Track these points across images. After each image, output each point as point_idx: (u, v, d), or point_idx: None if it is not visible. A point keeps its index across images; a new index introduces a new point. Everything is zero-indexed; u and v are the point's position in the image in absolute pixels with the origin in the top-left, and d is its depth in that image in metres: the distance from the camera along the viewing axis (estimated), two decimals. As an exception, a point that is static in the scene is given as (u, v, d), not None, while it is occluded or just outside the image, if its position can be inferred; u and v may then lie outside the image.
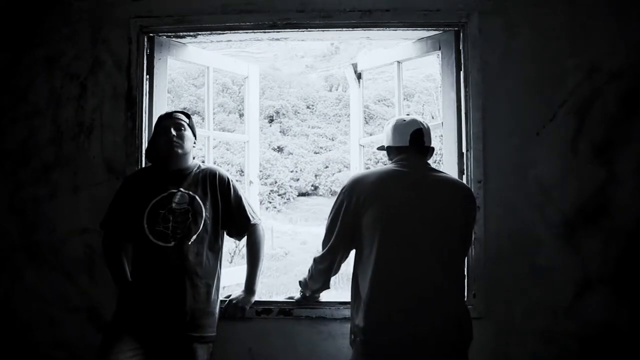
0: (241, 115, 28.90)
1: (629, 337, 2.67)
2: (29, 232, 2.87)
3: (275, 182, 26.43)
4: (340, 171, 27.66)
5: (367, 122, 30.31)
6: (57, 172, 2.87)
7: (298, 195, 27.38)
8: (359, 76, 3.30)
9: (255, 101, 3.36)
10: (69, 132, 2.87)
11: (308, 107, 31.86)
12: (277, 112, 30.30)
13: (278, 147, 26.89)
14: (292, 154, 28.53)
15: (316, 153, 29.33)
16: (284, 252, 19.28)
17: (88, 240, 2.82)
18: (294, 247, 20.05)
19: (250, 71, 3.33)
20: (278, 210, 25.61)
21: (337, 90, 33.59)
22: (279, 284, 14.93)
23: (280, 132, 29.44)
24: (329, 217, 2.30)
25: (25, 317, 2.85)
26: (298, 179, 27.96)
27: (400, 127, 2.36)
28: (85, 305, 2.83)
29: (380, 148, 2.47)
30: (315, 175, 28.05)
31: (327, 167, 28.31)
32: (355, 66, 3.28)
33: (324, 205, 25.80)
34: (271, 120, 30.82)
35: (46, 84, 2.89)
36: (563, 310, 2.69)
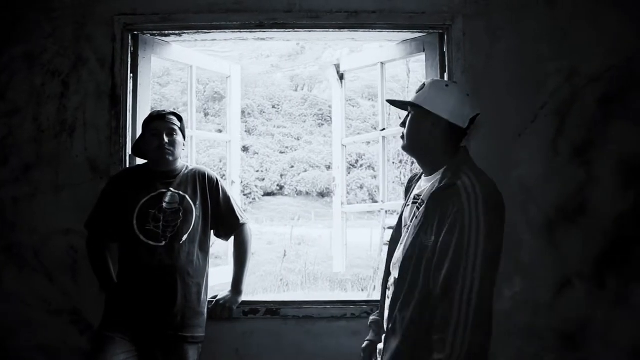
0: (206, 115, 28.62)
1: (606, 333, 2.76)
2: (7, 232, 2.78)
3: (241, 182, 26.28)
4: (305, 171, 27.70)
5: (332, 122, 30.41)
6: (38, 172, 2.79)
7: (263, 195, 27.28)
8: (341, 77, 3.31)
9: (237, 101, 3.35)
10: (51, 130, 2.80)
11: (274, 107, 31.79)
12: (243, 112, 29.99)
13: (244, 147, 26.71)
14: (257, 153, 28.43)
15: (282, 153, 29.28)
16: (251, 252, 19.16)
17: (71, 241, 2.76)
18: (260, 247, 19.96)
19: (233, 71, 3.31)
20: (244, 210, 25.51)
21: (302, 90, 33.63)
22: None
23: (245, 131, 29.27)
24: (493, 244, 1.71)
25: (4, 321, 2.77)
26: (264, 179, 27.86)
27: (467, 101, 1.88)
28: (67, 308, 2.76)
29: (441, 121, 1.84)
30: (281, 175, 28.00)
31: (292, 166, 28.30)
32: (337, 67, 3.30)
33: (290, 205, 25.80)
34: (237, 120, 30.58)
35: (26, 81, 2.81)
36: (544, 306, 2.76)
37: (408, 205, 1.95)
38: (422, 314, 1.72)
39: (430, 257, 1.72)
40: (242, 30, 2.86)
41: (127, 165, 2.78)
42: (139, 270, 2.41)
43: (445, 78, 2.83)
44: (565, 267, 2.77)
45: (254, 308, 2.74)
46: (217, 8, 2.80)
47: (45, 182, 2.79)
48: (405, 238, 1.87)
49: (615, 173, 2.80)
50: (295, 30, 2.87)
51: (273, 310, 2.74)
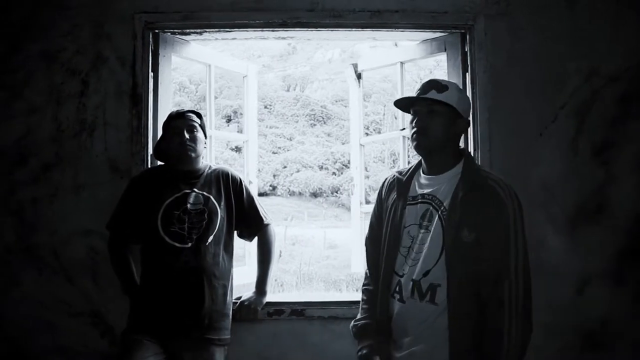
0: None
1: (627, 331, 2.78)
2: (27, 234, 2.74)
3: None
4: (298, 171, 27.67)
5: (324, 122, 30.47)
6: (58, 172, 2.75)
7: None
8: (358, 76, 3.31)
9: (253, 100, 3.33)
10: (70, 130, 2.77)
11: (266, 107, 31.73)
12: (235, 112, 29.99)
13: (236, 147, 26.62)
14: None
15: (274, 153, 29.26)
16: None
17: (91, 242, 2.73)
18: (252, 247, 19.93)
19: (249, 70, 3.29)
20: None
21: (294, 90, 33.58)
22: (239, 284, 14.82)
23: (238, 132, 29.15)
24: (525, 238, 1.85)
25: (24, 323, 2.73)
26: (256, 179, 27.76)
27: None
28: (88, 310, 2.73)
29: (459, 116, 1.94)
30: (274, 175, 27.98)
31: (285, 167, 28.26)
32: (355, 66, 3.29)
33: (282, 206, 25.72)
34: (229, 120, 30.51)
35: (45, 80, 2.77)
36: (565, 304, 2.77)
37: (411, 205, 1.95)
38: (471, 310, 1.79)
39: (474, 254, 1.78)
40: (264, 29, 2.85)
41: (149, 165, 2.75)
42: (164, 272, 2.37)
43: (467, 78, 2.85)
44: (586, 265, 2.78)
45: (278, 309, 2.73)
46: (239, 6, 2.78)
47: (65, 182, 2.76)
48: (432, 237, 1.86)
49: (635, 172, 2.82)
50: (318, 29, 2.86)
51: (298, 311, 2.73)
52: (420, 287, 1.84)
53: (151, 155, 2.76)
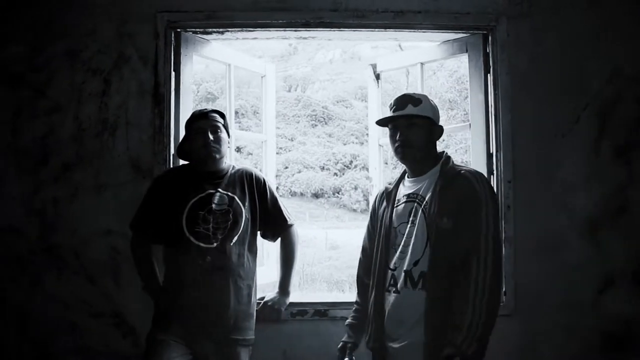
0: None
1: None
2: (48, 234, 2.74)
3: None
4: (299, 172, 27.62)
5: (326, 123, 30.44)
6: (79, 171, 2.75)
7: (258, 196, 27.22)
8: (377, 77, 3.30)
9: (272, 100, 3.32)
10: (92, 129, 2.76)
11: (267, 107, 31.73)
12: (236, 112, 29.62)
13: (237, 148, 26.57)
14: (251, 154, 28.30)
15: (276, 153, 29.13)
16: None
17: (112, 242, 2.72)
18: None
19: (268, 70, 3.29)
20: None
21: (295, 90, 33.54)
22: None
23: (240, 131, 29.13)
24: (497, 218, 2.03)
25: (45, 324, 2.72)
26: (258, 179, 27.76)
27: None
28: (109, 310, 2.72)
29: (434, 124, 2.16)
30: (275, 176, 27.85)
31: (286, 167, 28.21)
32: (374, 67, 3.29)
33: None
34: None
35: (67, 79, 2.76)
36: (587, 306, 2.78)
37: (398, 206, 2.14)
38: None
39: (452, 239, 1.94)
40: (287, 29, 2.84)
41: (171, 165, 2.75)
42: (189, 272, 2.36)
43: (489, 79, 2.85)
44: (608, 266, 2.79)
45: (302, 309, 2.73)
46: (261, 6, 2.78)
47: (86, 182, 2.75)
48: (417, 230, 2.02)
49: (657, 173, 2.82)
50: (341, 29, 2.85)
51: (321, 311, 2.73)
52: (412, 276, 2.00)
53: (173, 154, 2.75)
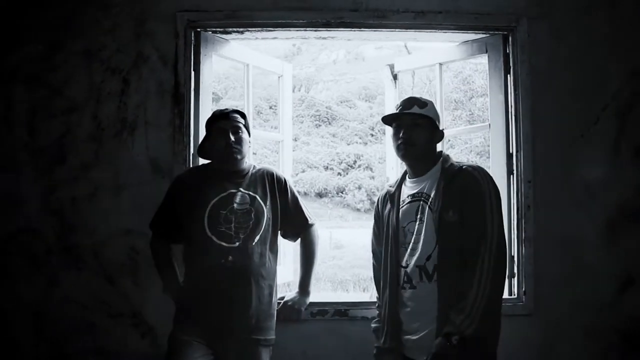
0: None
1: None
2: (66, 234, 2.73)
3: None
4: (303, 171, 27.60)
5: (329, 123, 30.44)
6: (98, 171, 2.74)
7: (262, 196, 27.27)
8: (394, 77, 3.30)
9: (289, 100, 3.33)
10: (111, 128, 2.75)
11: (270, 108, 31.63)
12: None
13: (241, 147, 26.65)
14: (255, 154, 28.33)
15: (279, 153, 29.19)
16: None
17: (131, 241, 2.71)
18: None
19: (285, 70, 3.29)
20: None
21: (299, 91, 33.51)
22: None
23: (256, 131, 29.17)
24: (500, 209, 2.06)
25: (63, 324, 2.71)
26: (262, 179, 27.81)
27: None
28: (128, 311, 2.72)
29: (436, 127, 2.22)
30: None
31: (290, 167, 28.22)
32: (392, 67, 3.28)
33: (287, 205, 25.69)
34: (233, 121, 30.47)
35: (85, 78, 2.76)
36: (606, 306, 2.77)
37: (404, 207, 2.18)
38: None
39: (458, 231, 2.00)
40: (307, 29, 2.84)
41: (191, 165, 2.74)
42: (211, 272, 2.34)
43: (509, 79, 2.85)
44: (628, 266, 2.79)
45: (322, 309, 2.72)
46: (282, 6, 2.77)
47: (105, 181, 2.74)
48: (426, 226, 2.07)
49: (676, 173, 2.81)
50: (361, 29, 2.85)
51: (342, 311, 2.72)
52: (426, 270, 2.05)
53: (193, 154, 2.74)
